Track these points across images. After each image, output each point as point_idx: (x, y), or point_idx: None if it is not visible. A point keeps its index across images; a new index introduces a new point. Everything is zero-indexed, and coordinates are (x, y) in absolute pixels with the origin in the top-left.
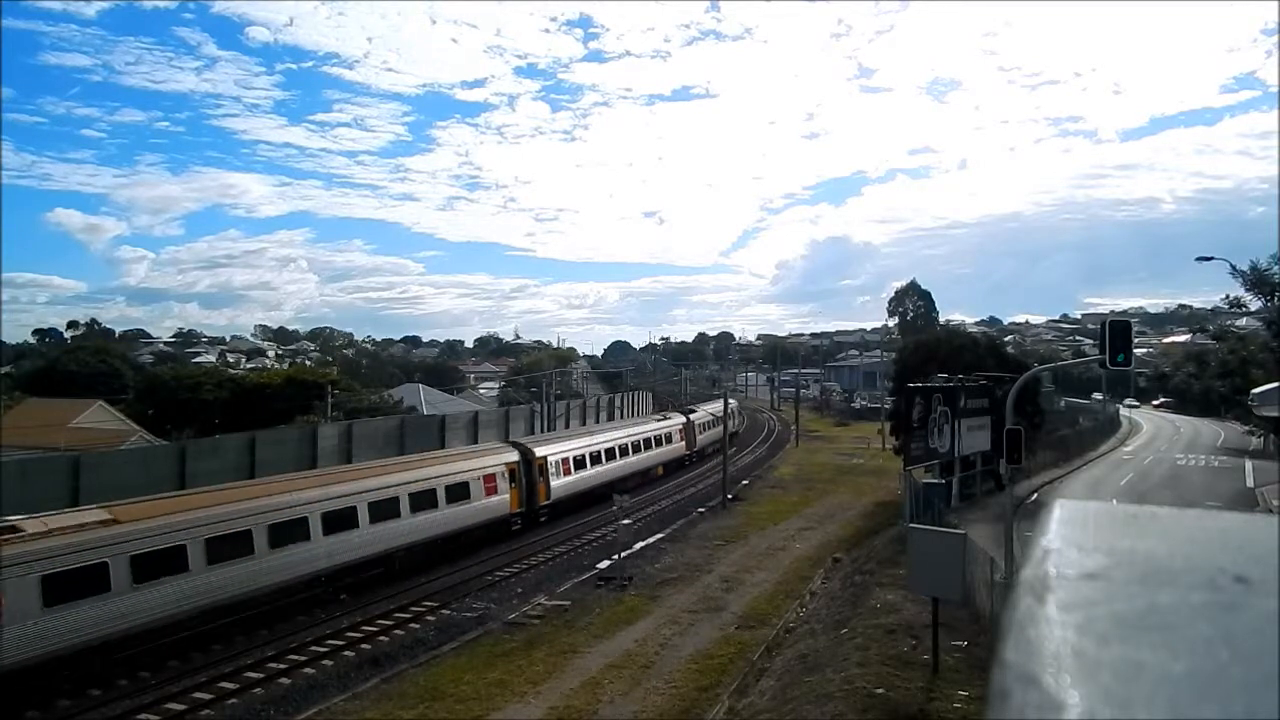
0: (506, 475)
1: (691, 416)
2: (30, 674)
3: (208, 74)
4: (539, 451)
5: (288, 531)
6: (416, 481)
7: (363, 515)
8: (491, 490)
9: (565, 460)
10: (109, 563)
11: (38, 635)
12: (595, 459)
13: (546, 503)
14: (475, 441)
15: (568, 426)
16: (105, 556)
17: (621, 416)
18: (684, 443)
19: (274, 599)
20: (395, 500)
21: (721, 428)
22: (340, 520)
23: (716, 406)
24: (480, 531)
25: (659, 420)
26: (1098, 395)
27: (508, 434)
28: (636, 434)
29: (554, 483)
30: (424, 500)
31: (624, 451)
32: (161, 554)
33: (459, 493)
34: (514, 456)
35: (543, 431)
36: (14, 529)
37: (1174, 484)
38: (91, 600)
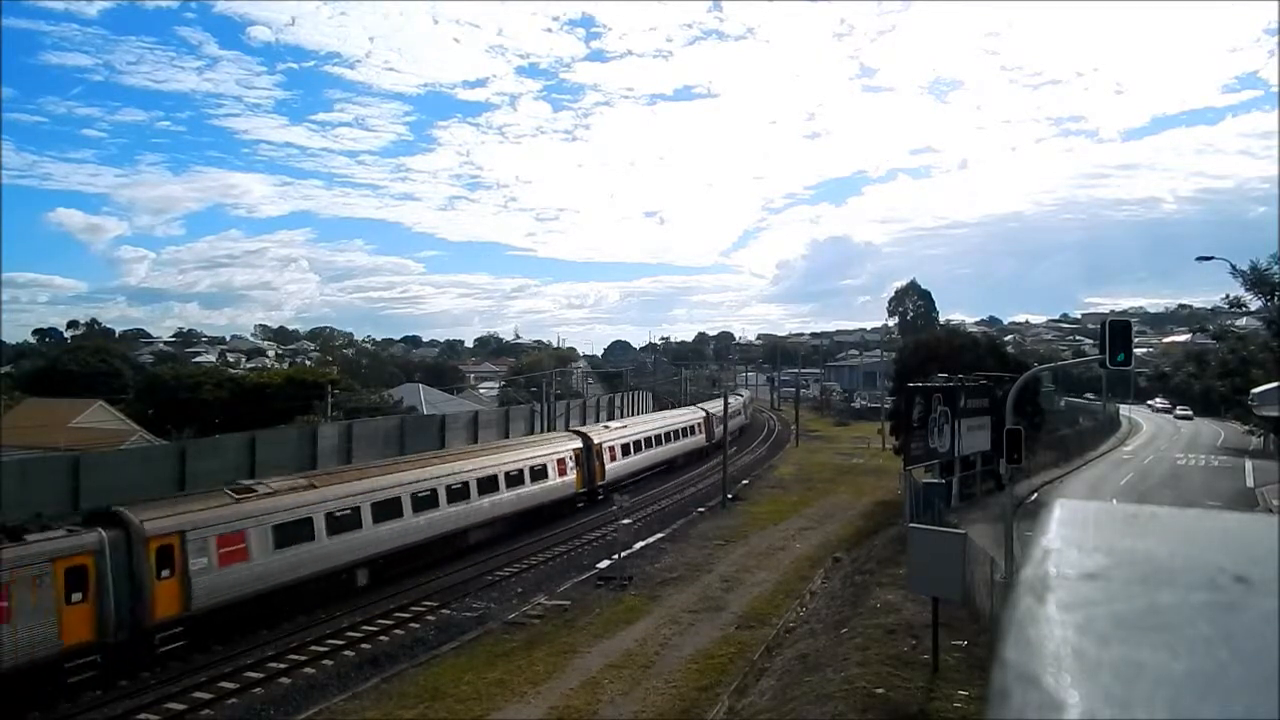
0: (701, 424)
1: (745, 398)
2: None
3: (209, 74)
4: (709, 410)
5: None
6: (676, 420)
7: (665, 440)
8: (696, 433)
9: (720, 415)
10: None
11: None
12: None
13: (714, 442)
14: (475, 441)
15: (596, 420)
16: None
17: (621, 415)
18: (746, 414)
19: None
20: (669, 434)
21: (754, 407)
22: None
23: (748, 396)
24: (697, 454)
25: (735, 399)
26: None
27: (508, 434)
28: (737, 404)
29: (715, 429)
30: (679, 434)
31: (736, 413)
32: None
33: (689, 431)
34: (702, 415)
35: (542, 430)
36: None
37: (1174, 484)
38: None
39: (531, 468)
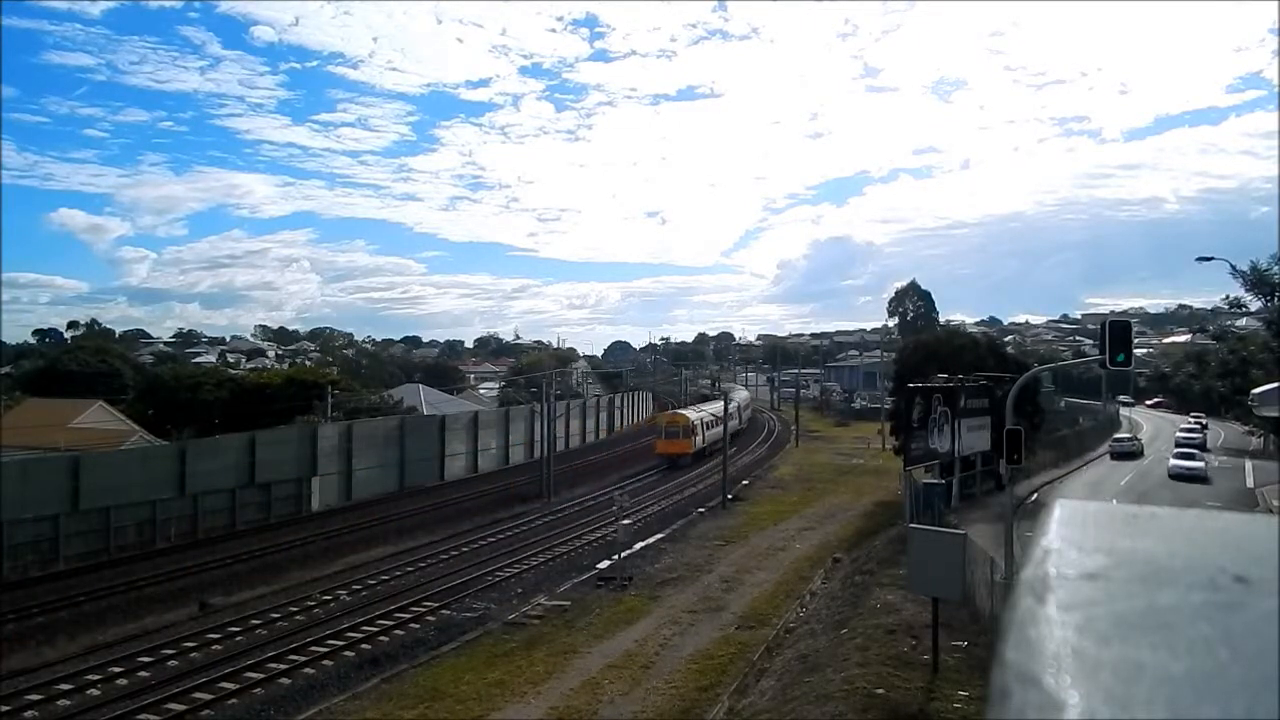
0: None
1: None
2: None
3: (212, 73)
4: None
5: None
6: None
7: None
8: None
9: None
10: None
11: None
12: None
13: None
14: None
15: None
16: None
17: (621, 416)
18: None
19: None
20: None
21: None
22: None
23: (746, 396)
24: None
25: (744, 393)
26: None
27: (508, 434)
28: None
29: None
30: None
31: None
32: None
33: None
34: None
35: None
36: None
37: (1174, 484)
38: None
39: None
